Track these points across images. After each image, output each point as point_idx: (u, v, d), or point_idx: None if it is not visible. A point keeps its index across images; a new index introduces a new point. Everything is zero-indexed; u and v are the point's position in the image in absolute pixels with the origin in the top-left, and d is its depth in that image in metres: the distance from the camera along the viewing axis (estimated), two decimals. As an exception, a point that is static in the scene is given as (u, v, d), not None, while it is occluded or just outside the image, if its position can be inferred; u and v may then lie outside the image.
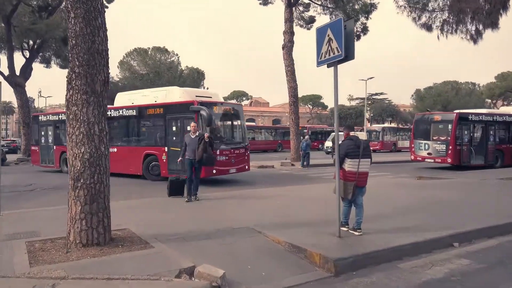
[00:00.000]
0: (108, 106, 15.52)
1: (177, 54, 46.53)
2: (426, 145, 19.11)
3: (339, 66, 5.56)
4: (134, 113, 14.50)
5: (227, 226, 6.33)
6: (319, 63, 5.74)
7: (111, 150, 14.69)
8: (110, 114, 14.96)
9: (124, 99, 15.54)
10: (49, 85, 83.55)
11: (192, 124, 9.21)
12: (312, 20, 27.81)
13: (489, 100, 62.46)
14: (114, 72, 57.92)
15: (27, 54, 28.76)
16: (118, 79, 44.90)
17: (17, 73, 27.29)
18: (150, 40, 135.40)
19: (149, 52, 45.42)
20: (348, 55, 5.32)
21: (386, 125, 46.79)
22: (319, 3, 26.45)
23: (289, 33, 23.05)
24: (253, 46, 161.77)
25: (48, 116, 18.92)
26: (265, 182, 13.72)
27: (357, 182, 5.58)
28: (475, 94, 58.59)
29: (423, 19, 19.05)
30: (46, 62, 29.83)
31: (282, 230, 5.99)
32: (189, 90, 14.88)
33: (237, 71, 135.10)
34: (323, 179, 14.92)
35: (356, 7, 25.20)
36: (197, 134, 9.00)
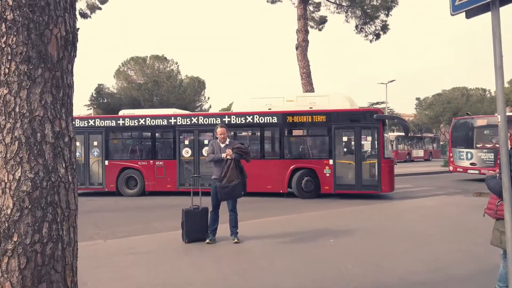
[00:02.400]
0: (226, 112, 11.95)
1: (176, 63, 44.03)
2: (469, 154, 16.56)
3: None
4: (276, 121, 12.57)
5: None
6: (458, 7, 3.20)
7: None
8: (230, 121, 12.90)
9: (255, 104, 13.17)
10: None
11: (220, 129, 6.23)
12: (323, 20, 25.64)
13: (498, 107, 59.99)
14: (110, 82, 55.73)
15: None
16: (115, 90, 42.39)
17: None
18: (148, 48, 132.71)
19: (147, 61, 42.93)
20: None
21: (399, 133, 44.41)
22: (333, 1, 24.20)
23: (303, 32, 20.79)
24: (256, 54, 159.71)
25: (90, 121, 14.10)
26: (294, 205, 11.13)
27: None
28: (487, 100, 56.24)
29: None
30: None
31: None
32: (351, 97, 13.29)
33: (239, 80, 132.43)
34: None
35: (375, 3, 22.90)
36: (227, 143, 6.26)
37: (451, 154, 17.45)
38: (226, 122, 12.88)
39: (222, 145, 6.22)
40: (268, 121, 12.64)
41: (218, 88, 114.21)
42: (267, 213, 9.39)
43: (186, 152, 13.22)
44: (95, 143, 13.75)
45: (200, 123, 13.20)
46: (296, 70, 20.76)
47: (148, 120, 13.40)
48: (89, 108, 48.41)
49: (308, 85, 20.18)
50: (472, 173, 16.61)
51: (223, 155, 6.01)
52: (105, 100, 41.26)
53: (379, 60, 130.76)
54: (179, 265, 5.11)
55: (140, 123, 13.44)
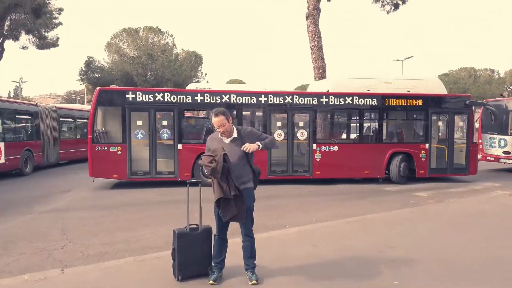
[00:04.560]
0: (324, 92, 12.15)
1: (172, 35, 41.40)
2: (502, 141, 14.67)
3: None
4: (375, 103, 12.02)
5: None
6: None
7: (330, 148, 11.92)
8: (328, 102, 11.79)
9: (349, 85, 12.21)
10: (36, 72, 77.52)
11: (216, 118, 3.93)
12: (333, -11, 23.03)
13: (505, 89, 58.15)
14: (101, 55, 52.79)
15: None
16: (106, 64, 39.80)
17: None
18: (141, 19, 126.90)
19: (141, 33, 40.22)
20: None
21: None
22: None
23: (315, -1, 18.33)
24: (258, 28, 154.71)
25: (158, 95, 11.08)
26: (315, 201, 9.21)
27: None
28: (495, 82, 54.08)
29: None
30: (15, 38, 24.91)
31: None
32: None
33: (238, 56, 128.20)
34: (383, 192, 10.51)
35: (395, -32, 20.40)
36: (234, 135, 4.11)
37: (480, 141, 15.52)
38: (324, 102, 11.77)
39: (227, 141, 4.12)
40: (367, 103, 11.99)
41: (216, 63, 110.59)
42: (287, 217, 7.53)
43: (279, 135, 11.61)
44: (164, 123, 11.37)
45: (295, 102, 11.68)
46: (306, 43, 18.52)
47: (234, 97, 11.40)
48: (82, 83, 45.84)
49: (319, 60, 17.92)
50: (505, 163, 14.76)
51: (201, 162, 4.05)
52: (96, 75, 38.73)
53: (388, 37, 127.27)
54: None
55: (223, 100, 11.29)
